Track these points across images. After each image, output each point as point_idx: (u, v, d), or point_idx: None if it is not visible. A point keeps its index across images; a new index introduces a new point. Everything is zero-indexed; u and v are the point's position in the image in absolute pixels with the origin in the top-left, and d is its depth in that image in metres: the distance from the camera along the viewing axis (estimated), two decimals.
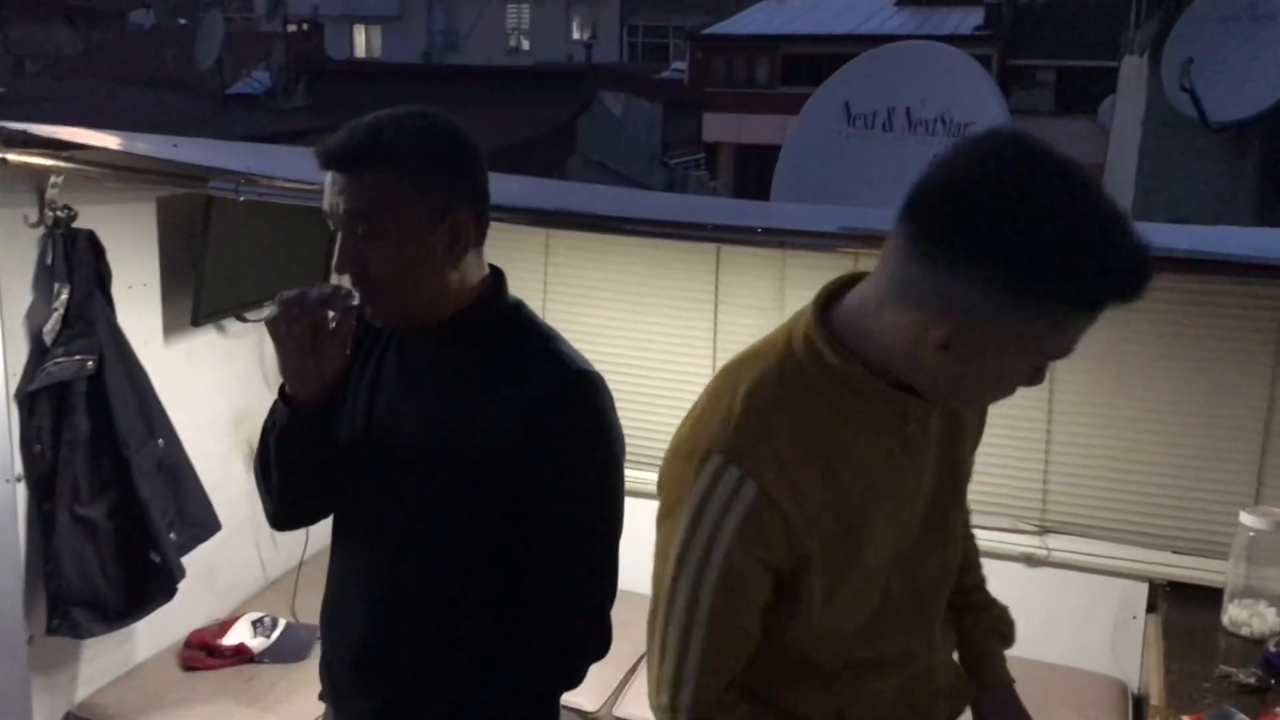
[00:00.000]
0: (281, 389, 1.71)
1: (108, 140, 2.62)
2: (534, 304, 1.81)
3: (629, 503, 1.74)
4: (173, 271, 3.06)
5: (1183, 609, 2.83)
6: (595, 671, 1.78)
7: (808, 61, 25.34)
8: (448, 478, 1.68)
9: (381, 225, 1.59)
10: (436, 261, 1.62)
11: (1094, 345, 1.69)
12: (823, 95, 4.18)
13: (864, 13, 27.24)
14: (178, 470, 2.94)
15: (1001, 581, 3.12)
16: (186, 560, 2.93)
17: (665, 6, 33.76)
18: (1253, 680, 2.39)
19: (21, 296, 2.66)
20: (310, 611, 3.29)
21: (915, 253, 1.29)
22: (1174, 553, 3.02)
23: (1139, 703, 2.97)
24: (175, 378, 3.04)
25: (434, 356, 1.71)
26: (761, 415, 1.40)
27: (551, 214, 2.75)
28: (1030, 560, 3.13)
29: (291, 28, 19.89)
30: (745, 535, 1.37)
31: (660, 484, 1.47)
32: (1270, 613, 2.64)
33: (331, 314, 1.64)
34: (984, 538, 3.15)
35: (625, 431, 1.73)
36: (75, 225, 2.70)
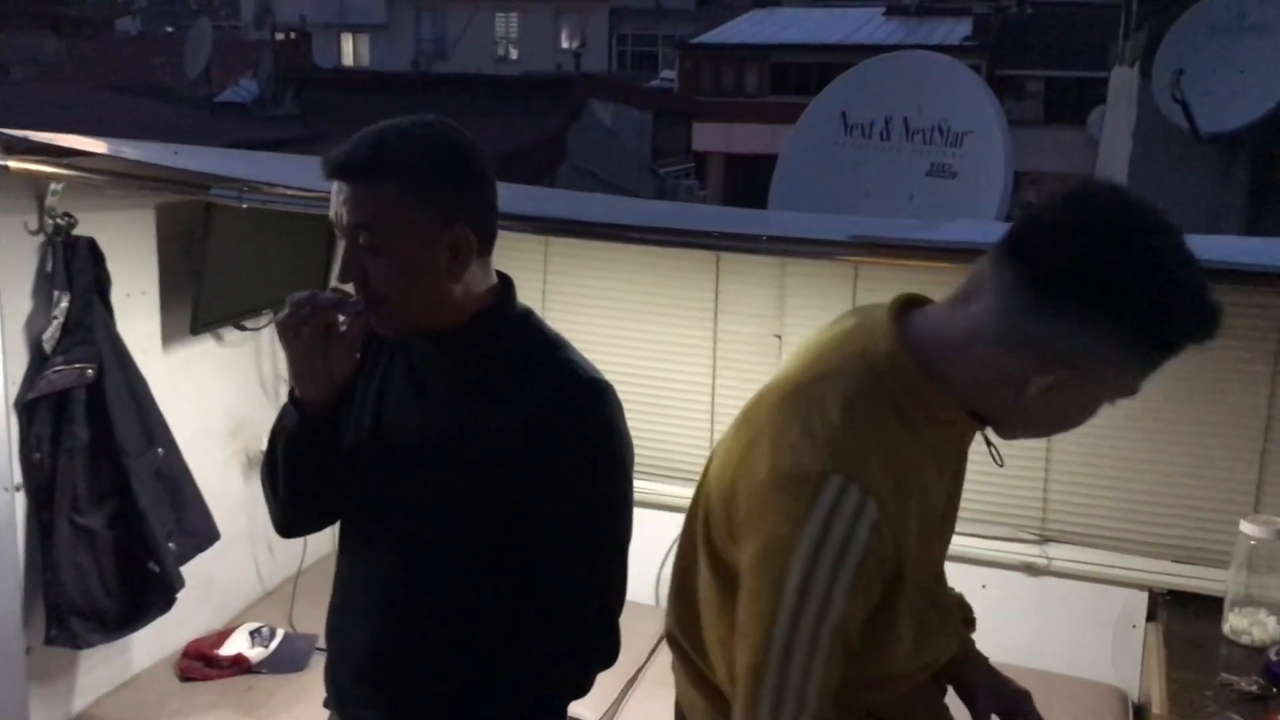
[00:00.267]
0: (291, 392, 1.71)
1: (108, 147, 2.61)
2: None
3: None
4: (171, 279, 3.05)
5: (1183, 618, 2.84)
6: (597, 680, 1.77)
7: (797, 71, 25.48)
8: (453, 484, 1.67)
9: (382, 236, 1.58)
10: (437, 273, 1.61)
11: None
12: (820, 104, 4.20)
13: (853, 23, 27.40)
14: (177, 479, 2.92)
15: (1002, 590, 3.15)
16: (184, 570, 2.92)
17: (654, 15, 33.86)
18: (1254, 688, 2.40)
19: (21, 304, 2.65)
20: (308, 621, 3.29)
21: (1025, 300, 1.32)
22: (1174, 561, 3.03)
23: (1139, 711, 2.98)
24: (173, 386, 3.02)
25: (441, 364, 1.71)
26: (863, 433, 1.40)
27: (554, 221, 2.76)
28: (1030, 569, 3.13)
29: (279, 36, 19.88)
30: (871, 555, 1.36)
31: (748, 517, 1.43)
32: (1271, 621, 2.65)
33: (341, 318, 1.64)
34: (984, 547, 3.20)
35: None
36: (75, 232, 2.69)
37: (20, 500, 2.68)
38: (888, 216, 3.70)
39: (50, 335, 2.65)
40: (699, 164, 24.50)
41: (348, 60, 33.96)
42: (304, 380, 1.68)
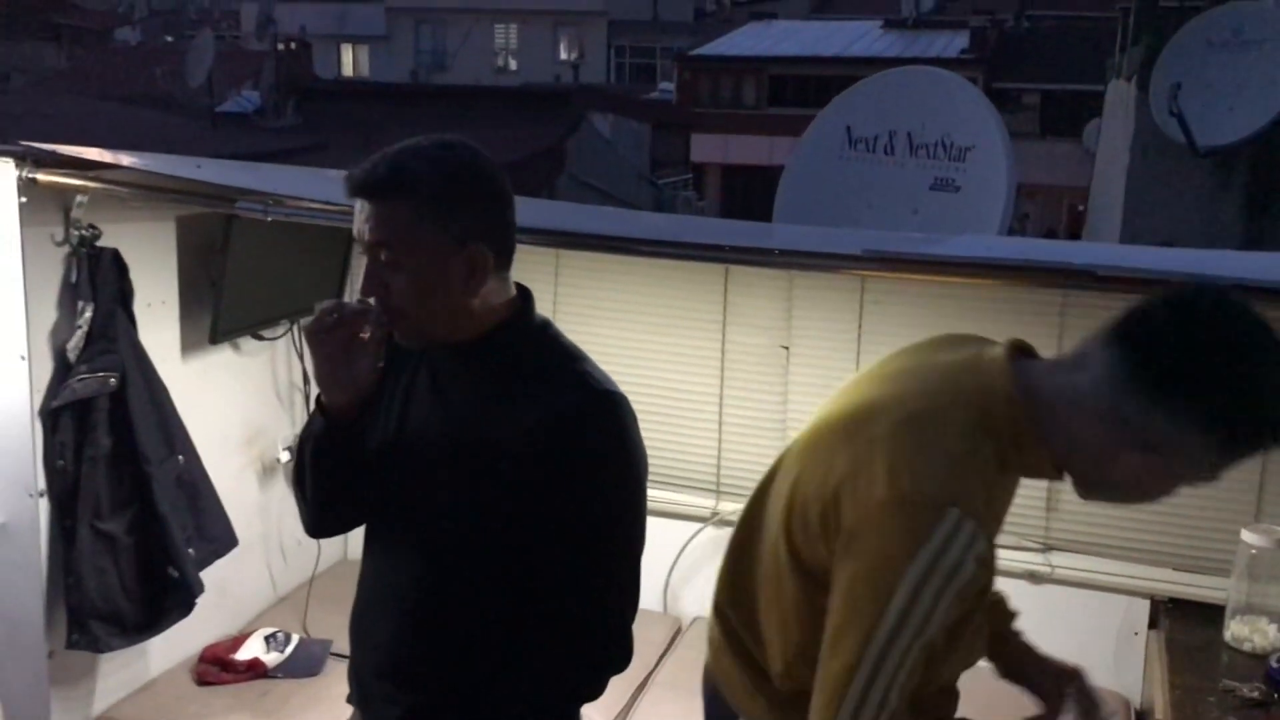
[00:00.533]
0: (318, 398, 1.77)
1: (135, 160, 2.66)
2: None
3: None
4: (191, 290, 3.10)
5: (1184, 625, 2.87)
6: (608, 686, 1.82)
7: (794, 83, 25.56)
8: (470, 490, 1.72)
9: (401, 253, 1.64)
10: (454, 289, 1.66)
11: None
12: (825, 118, 4.25)
13: (850, 35, 27.46)
14: (196, 486, 2.96)
15: None
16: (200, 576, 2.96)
17: (651, 28, 33.93)
18: (1256, 694, 2.43)
19: (47, 314, 2.69)
20: (322, 627, 3.33)
21: (1126, 384, 1.43)
22: (1175, 569, 3.07)
23: (1142, 717, 3.02)
24: (191, 395, 3.06)
25: (461, 373, 1.76)
26: (976, 468, 1.50)
27: (567, 235, 2.80)
28: (1033, 577, 3.17)
29: (279, 46, 19.89)
30: (973, 584, 1.47)
31: (859, 530, 1.50)
32: (1271, 629, 2.68)
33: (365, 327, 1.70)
34: None
35: None
36: (99, 244, 2.73)
37: (44, 506, 2.72)
38: (891, 229, 3.76)
39: (75, 344, 2.70)
40: (697, 175, 24.57)
41: (347, 71, 33.99)
42: (328, 386, 1.74)
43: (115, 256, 2.76)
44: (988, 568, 1.49)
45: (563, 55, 33.54)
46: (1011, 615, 1.92)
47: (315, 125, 15.97)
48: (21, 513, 2.70)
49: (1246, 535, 2.69)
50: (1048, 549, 3.19)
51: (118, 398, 2.75)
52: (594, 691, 1.79)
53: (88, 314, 2.71)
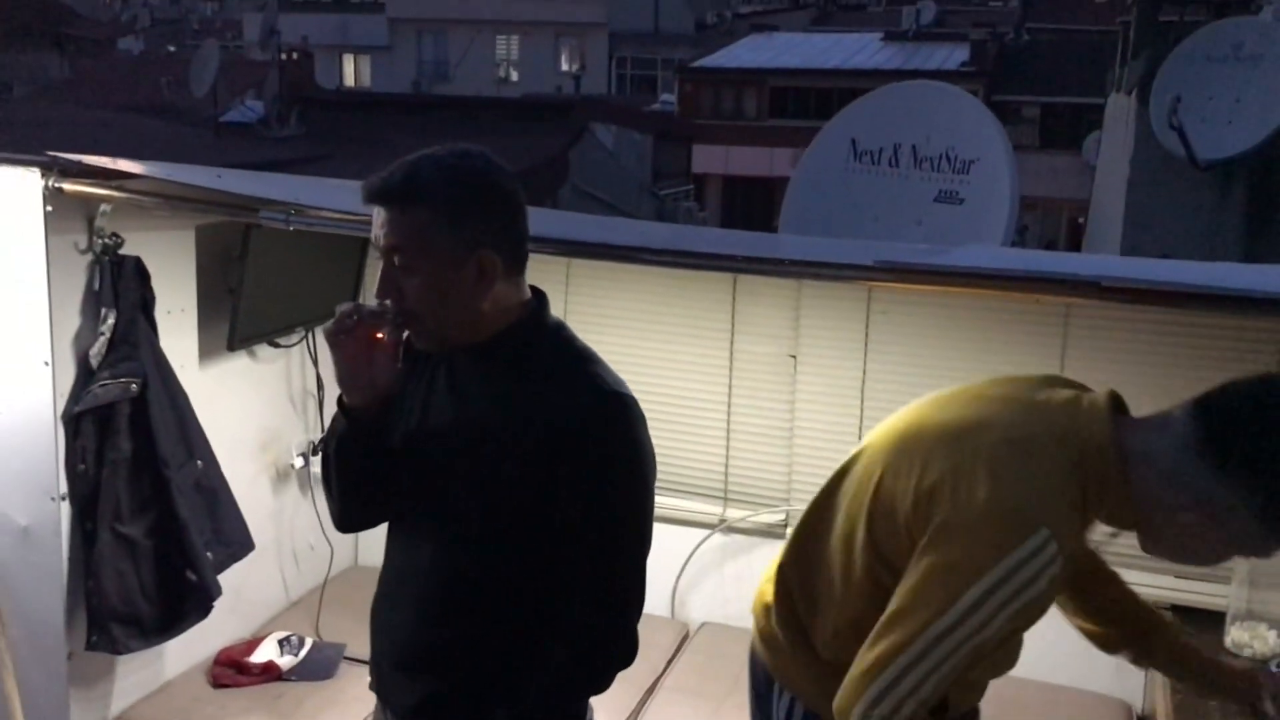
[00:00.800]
0: (340, 399, 1.83)
1: (158, 171, 2.70)
2: None
3: None
4: (209, 297, 3.15)
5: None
6: (616, 691, 1.88)
7: (795, 95, 25.64)
8: (484, 487, 1.78)
9: (414, 258, 1.71)
10: (465, 292, 1.73)
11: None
12: (830, 131, 4.29)
13: (851, 48, 27.55)
14: (215, 491, 3.00)
15: None
16: None
17: (652, 39, 34.02)
18: None
19: (70, 321, 2.74)
20: (334, 631, 3.38)
21: (1198, 453, 1.55)
22: (1176, 576, 3.09)
23: None
24: (208, 401, 3.10)
25: (477, 373, 1.83)
26: (1070, 503, 1.61)
27: (577, 244, 2.84)
28: None
29: (282, 56, 19.95)
30: (1039, 601, 1.57)
31: (949, 526, 1.60)
32: (1271, 635, 2.73)
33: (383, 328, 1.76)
34: None
35: None
36: (121, 252, 2.78)
37: (65, 509, 2.76)
38: (896, 240, 3.81)
39: (97, 351, 2.74)
40: (698, 186, 24.62)
41: (349, 81, 34.07)
42: (348, 386, 1.80)
43: (137, 264, 2.81)
44: (1058, 591, 1.60)
45: (564, 66, 33.63)
46: (1182, 631, 2.08)
47: (318, 135, 16.00)
48: (43, 516, 2.75)
49: None
50: None
51: (139, 403, 2.79)
52: (600, 684, 1.86)
53: (110, 321, 2.75)
